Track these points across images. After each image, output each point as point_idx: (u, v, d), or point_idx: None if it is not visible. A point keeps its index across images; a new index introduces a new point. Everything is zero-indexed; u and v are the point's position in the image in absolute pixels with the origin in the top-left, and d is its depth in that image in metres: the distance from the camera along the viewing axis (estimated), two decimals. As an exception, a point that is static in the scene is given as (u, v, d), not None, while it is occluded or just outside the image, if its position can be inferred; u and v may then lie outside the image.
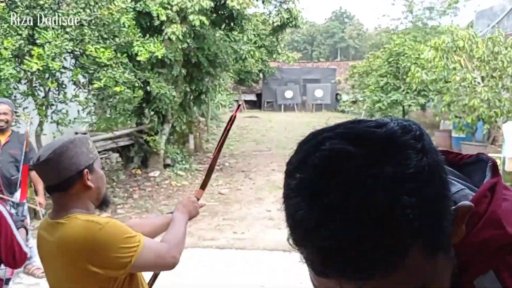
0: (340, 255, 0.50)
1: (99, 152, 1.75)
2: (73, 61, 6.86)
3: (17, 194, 4.52)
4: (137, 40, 6.91)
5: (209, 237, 6.01)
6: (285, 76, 26.78)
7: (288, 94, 26.07)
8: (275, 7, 11.93)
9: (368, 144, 0.53)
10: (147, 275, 1.84)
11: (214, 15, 9.52)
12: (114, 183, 8.31)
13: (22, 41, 5.87)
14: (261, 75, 24.84)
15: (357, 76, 20.07)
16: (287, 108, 25.93)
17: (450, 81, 10.63)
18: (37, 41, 5.86)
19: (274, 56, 18.67)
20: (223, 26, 10.09)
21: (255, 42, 17.02)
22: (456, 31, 10.47)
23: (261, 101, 27.00)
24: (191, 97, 10.54)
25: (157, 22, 8.40)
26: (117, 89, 6.26)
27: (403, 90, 15.72)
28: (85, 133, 1.75)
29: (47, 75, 6.08)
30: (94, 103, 7.12)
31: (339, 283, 0.52)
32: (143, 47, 6.90)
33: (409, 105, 15.85)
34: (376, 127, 0.55)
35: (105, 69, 6.26)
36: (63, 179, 1.58)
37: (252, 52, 16.14)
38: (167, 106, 8.93)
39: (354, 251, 0.49)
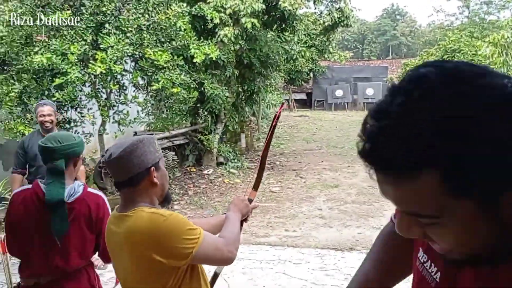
0: (376, 144, 0.63)
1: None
2: (133, 64, 7.18)
3: None
4: (193, 43, 7.12)
5: (261, 234, 6.13)
6: (336, 75, 26.51)
7: (339, 93, 25.82)
8: (326, 7, 11.87)
9: (455, 80, 0.62)
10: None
11: (266, 16, 9.64)
12: (171, 180, 8.61)
13: (86, 46, 6.18)
14: (311, 74, 24.73)
15: (411, 74, 19.55)
16: (337, 107, 25.68)
17: (509, 78, 10.21)
18: (101, 46, 6.16)
19: (325, 56, 18.54)
20: (274, 27, 10.19)
21: (305, 42, 16.98)
22: (516, 26, 10.06)
23: (311, 100, 26.88)
24: (243, 97, 10.71)
25: (210, 25, 8.61)
26: (174, 90, 6.49)
27: (459, 88, 15.19)
28: (151, 134, 1.89)
29: (109, 78, 6.38)
30: (152, 104, 7.40)
31: (369, 169, 0.67)
32: (199, 49, 7.11)
33: (466, 104, 15.25)
34: (482, 76, 0.63)
35: (163, 71, 6.49)
36: (132, 175, 1.68)
37: (302, 52, 16.13)
38: (220, 106, 9.14)
39: (384, 143, 0.62)
